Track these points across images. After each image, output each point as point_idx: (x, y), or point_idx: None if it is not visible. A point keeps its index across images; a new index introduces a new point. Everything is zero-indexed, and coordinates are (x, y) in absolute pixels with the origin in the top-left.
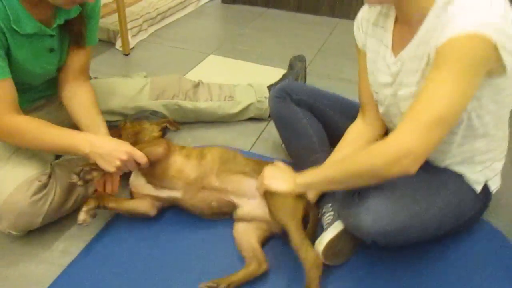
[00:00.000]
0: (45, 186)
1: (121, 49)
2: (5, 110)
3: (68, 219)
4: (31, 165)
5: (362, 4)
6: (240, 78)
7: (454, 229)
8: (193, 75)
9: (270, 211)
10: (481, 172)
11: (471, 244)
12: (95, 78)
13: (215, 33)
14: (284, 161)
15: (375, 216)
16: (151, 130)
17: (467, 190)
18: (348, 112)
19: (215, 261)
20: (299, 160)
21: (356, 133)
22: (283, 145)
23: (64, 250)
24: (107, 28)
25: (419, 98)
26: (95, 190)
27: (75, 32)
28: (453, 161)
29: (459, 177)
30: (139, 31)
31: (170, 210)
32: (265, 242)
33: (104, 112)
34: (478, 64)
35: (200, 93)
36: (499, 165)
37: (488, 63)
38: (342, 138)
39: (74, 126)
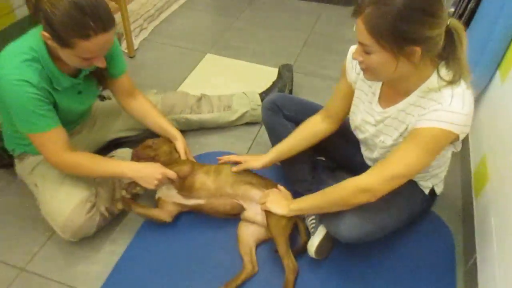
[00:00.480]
0: (94, 205)
1: (126, 51)
2: (62, 150)
3: (110, 225)
4: (81, 187)
5: None
6: (235, 78)
7: (406, 224)
8: (195, 76)
9: (267, 225)
10: (429, 180)
11: (420, 232)
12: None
13: (209, 27)
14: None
15: (349, 226)
16: (170, 150)
17: (418, 194)
18: (343, 130)
19: (225, 251)
20: (286, 164)
21: (314, 130)
22: None
23: (110, 251)
24: None
25: (391, 156)
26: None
27: (99, 74)
28: None
29: (412, 183)
30: (140, 30)
31: (184, 215)
32: (259, 244)
33: (125, 129)
34: (440, 148)
35: (203, 106)
36: (442, 175)
37: (448, 143)
38: (300, 128)
39: (99, 140)
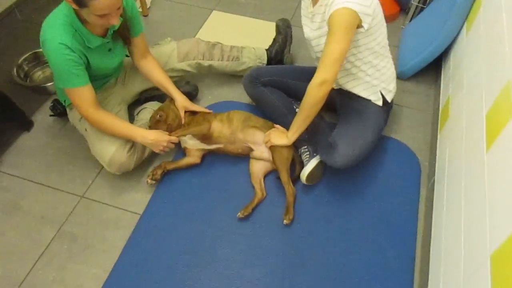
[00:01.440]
0: (132, 146)
1: (140, 10)
2: (89, 107)
3: (148, 162)
4: None
5: None
6: (240, 33)
7: (379, 138)
8: (204, 32)
9: (272, 159)
10: (378, 93)
11: (393, 161)
12: None
13: None
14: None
15: (343, 157)
16: (177, 113)
17: (376, 108)
18: (302, 76)
19: (238, 186)
20: (280, 124)
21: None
22: None
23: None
24: None
25: (324, 50)
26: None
27: (122, 33)
28: (356, 85)
29: (368, 101)
30: None
31: (209, 158)
32: (267, 175)
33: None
34: (350, 25)
35: (214, 53)
36: (390, 87)
37: (355, 23)
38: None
39: (130, 92)
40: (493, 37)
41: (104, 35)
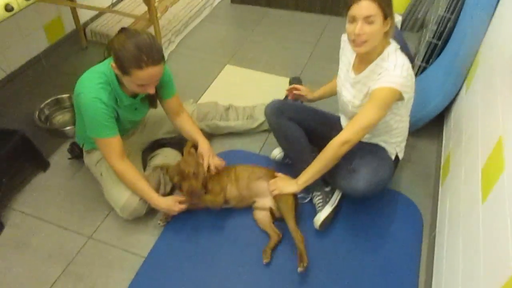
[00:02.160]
0: None
1: None
2: (115, 157)
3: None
4: None
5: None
6: (252, 87)
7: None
8: (216, 85)
9: (278, 208)
10: (393, 148)
11: (396, 212)
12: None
13: (228, 39)
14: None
15: (365, 180)
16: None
17: (390, 158)
18: (326, 121)
19: (244, 231)
20: (293, 158)
21: (333, 83)
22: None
23: (156, 225)
24: None
25: (358, 114)
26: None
27: (150, 96)
28: (377, 141)
29: (385, 150)
30: (169, 43)
31: None
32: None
33: (167, 132)
34: (389, 102)
35: (230, 114)
36: (402, 145)
37: (395, 99)
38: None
39: (147, 140)
40: (488, 96)
41: (134, 97)
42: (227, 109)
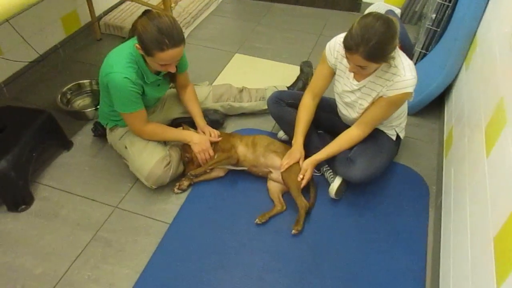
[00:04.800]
0: (169, 163)
1: None
2: (142, 124)
3: (179, 176)
4: (159, 149)
5: None
6: (260, 74)
7: (390, 164)
8: (227, 73)
9: (282, 180)
10: (393, 130)
11: (404, 185)
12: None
13: (235, 31)
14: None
15: (360, 170)
16: None
17: (391, 140)
18: (325, 104)
19: (259, 199)
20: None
21: (310, 109)
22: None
23: (178, 196)
24: None
25: (367, 113)
26: (184, 170)
27: (171, 74)
28: (380, 126)
29: (384, 133)
30: None
31: (233, 173)
32: (284, 193)
33: (184, 112)
34: (403, 102)
35: (243, 96)
36: (403, 125)
37: (407, 99)
38: (301, 112)
39: (166, 118)
40: (488, 68)
41: (157, 74)
42: (241, 91)
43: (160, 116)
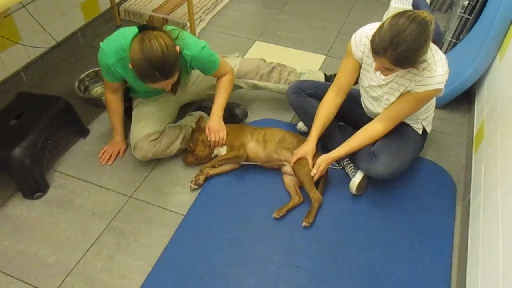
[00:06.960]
0: (156, 138)
1: None
2: (110, 92)
3: (194, 169)
4: (153, 125)
5: None
6: (282, 62)
7: (415, 159)
8: None
9: (294, 173)
10: (419, 123)
11: (431, 182)
12: None
13: (256, 19)
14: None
15: (384, 166)
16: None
17: (416, 134)
18: (348, 95)
19: (275, 192)
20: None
21: (332, 106)
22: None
23: (192, 188)
24: (176, 21)
25: (392, 107)
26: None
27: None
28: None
29: (409, 127)
30: (200, 21)
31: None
32: (300, 187)
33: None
34: (432, 98)
35: (272, 76)
36: (429, 118)
37: (436, 95)
38: (323, 108)
39: (189, 99)
40: None
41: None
42: (271, 70)
43: (181, 96)
